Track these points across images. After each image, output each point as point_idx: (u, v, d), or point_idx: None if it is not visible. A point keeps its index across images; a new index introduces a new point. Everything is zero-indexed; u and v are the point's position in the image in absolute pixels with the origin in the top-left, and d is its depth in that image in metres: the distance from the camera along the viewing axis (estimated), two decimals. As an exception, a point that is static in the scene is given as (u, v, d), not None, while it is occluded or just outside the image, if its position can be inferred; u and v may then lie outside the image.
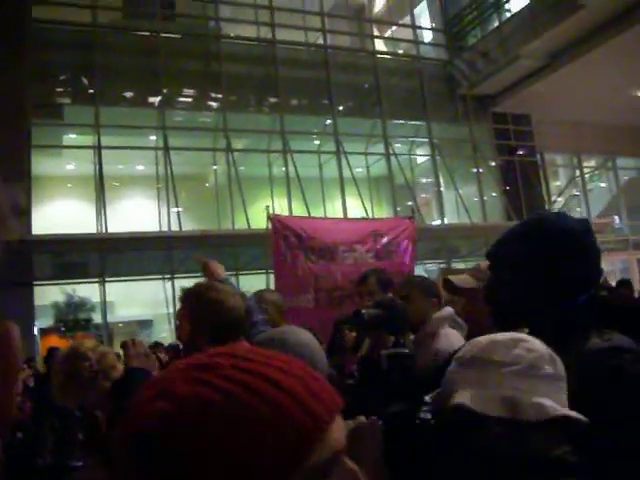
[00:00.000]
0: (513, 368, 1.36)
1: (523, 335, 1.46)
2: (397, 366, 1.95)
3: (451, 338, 3.37)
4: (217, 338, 2.58)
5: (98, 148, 16.12)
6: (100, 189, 15.97)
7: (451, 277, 2.51)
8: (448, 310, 3.63)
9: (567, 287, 1.78)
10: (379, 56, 20.82)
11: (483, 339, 1.45)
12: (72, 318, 16.18)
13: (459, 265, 18.53)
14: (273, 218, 6.52)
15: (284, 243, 6.27)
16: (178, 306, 2.83)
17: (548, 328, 1.67)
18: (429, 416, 1.48)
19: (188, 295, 2.78)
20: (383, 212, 20.52)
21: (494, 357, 1.38)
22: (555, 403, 1.34)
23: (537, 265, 1.80)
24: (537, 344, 1.42)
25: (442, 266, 17.72)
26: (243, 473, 0.63)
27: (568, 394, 1.40)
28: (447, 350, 2.37)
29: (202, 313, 2.67)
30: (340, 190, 18.48)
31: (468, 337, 2.38)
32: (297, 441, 0.65)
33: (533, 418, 1.30)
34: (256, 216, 14.38)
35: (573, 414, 1.33)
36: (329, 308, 6.01)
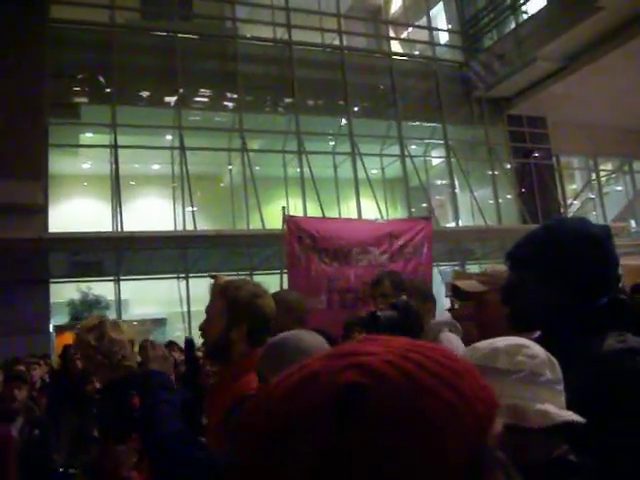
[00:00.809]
0: (516, 376, 1.38)
1: (523, 340, 1.47)
2: None
3: (453, 342, 3.39)
4: (253, 336, 2.65)
5: (115, 147, 16.22)
6: (116, 188, 16.06)
7: (458, 283, 2.53)
8: (446, 315, 3.65)
9: (587, 291, 1.81)
10: (395, 57, 20.81)
11: (484, 345, 1.47)
12: (87, 316, 16.27)
13: (473, 267, 18.49)
14: (288, 219, 6.52)
15: (298, 245, 6.27)
16: (207, 301, 2.82)
17: (566, 330, 1.69)
18: None
19: (226, 290, 2.75)
20: (397, 213, 20.49)
21: (497, 365, 1.40)
22: (557, 408, 1.36)
23: (559, 269, 1.82)
24: (537, 349, 1.43)
25: (456, 268, 17.69)
26: (429, 456, 0.64)
27: (584, 394, 1.42)
28: None
29: (242, 308, 2.67)
30: (355, 191, 18.48)
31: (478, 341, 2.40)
32: (475, 428, 0.67)
33: (538, 425, 1.32)
34: (271, 216, 14.42)
35: (575, 418, 1.35)
36: (341, 310, 6.02)
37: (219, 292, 2.76)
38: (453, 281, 2.55)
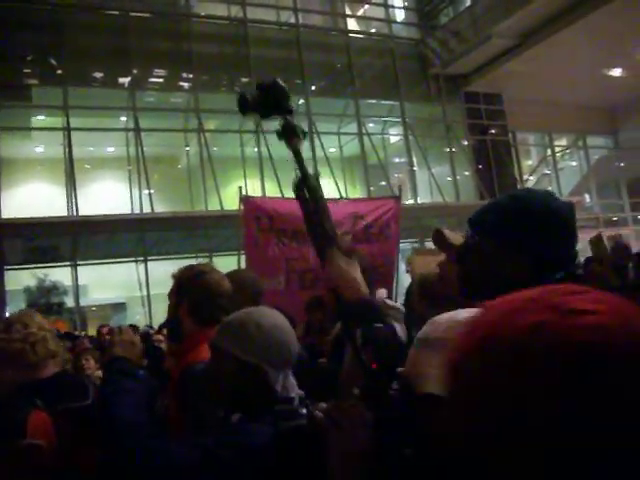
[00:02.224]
0: None
1: None
2: (373, 341, 1.94)
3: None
4: (196, 311, 2.78)
5: (67, 130, 15.91)
6: (70, 171, 15.78)
7: (445, 231, 2.50)
8: (382, 292, 3.63)
9: (546, 265, 1.80)
10: (351, 35, 20.72)
11: (444, 319, 1.45)
12: (44, 302, 16.02)
13: (432, 244, 18.60)
14: (245, 199, 6.39)
15: (256, 225, 6.17)
16: (167, 284, 2.97)
17: None
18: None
19: (177, 271, 2.95)
20: (356, 192, 20.51)
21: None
22: None
23: (522, 240, 1.80)
24: None
25: (415, 245, 17.77)
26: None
27: None
28: None
29: (185, 284, 2.83)
30: (313, 170, 18.38)
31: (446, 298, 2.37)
32: None
33: None
34: (229, 197, 14.31)
35: None
36: (301, 290, 5.97)
37: (173, 275, 2.94)
38: (438, 230, 2.51)
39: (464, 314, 1.43)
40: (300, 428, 1.61)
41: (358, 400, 1.45)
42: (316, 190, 1.93)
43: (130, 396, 2.03)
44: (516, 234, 1.81)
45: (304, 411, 1.80)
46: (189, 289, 2.80)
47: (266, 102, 2.03)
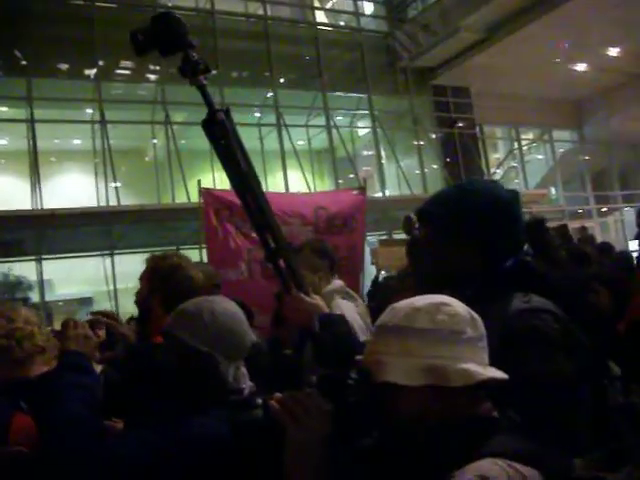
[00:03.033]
0: (436, 335, 1.36)
1: (443, 298, 1.45)
2: (329, 329, 1.94)
3: (343, 308, 3.34)
4: (169, 304, 2.72)
5: (31, 122, 15.66)
6: (35, 164, 15.53)
7: (413, 217, 2.53)
8: (337, 283, 3.66)
9: (494, 253, 1.83)
10: (320, 28, 20.63)
11: (403, 305, 1.44)
12: (8, 297, 15.78)
13: (400, 236, 18.68)
14: (204, 192, 6.46)
15: (215, 217, 6.17)
16: (134, 277, 3.08)
17: (474, 291, 1.70)
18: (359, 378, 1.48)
19: (151, 259, 3.00)
20: (325, 185, 20.52)
21: (416, 324, 1.37)
22: (479, 366, 1.35)
23: (468, 229, 1.84)
24: (458, 307, 1.42)
25: (383, 237, 17.82)
26: None
27: (491, 352, 1.43)
28: None
29: (161, 277, 2.86)
30: (281, 163, 18.40)
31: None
32: None
33: (459, 384, 1.32)
34: (196, 190, 14.19)
35: (497, 374, 1.36)
36: (263, 279, 5.97)
37: (147, 260, 2.99)
38: (408, 219, 2.53)
39: (423, 301, 1.43)
40: (256, 419, 1.60)
41: (315, 389, 1.44)
42: (224, 124, 1.87)
43: (79, 392, 1.96)
44: (460, 224, 1.85)
45: (259, 401, 1.78)
46: (165, 283, 2.78)
47: (162, 37, 1.95)
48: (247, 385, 1.98)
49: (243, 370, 2.01)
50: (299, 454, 1.41)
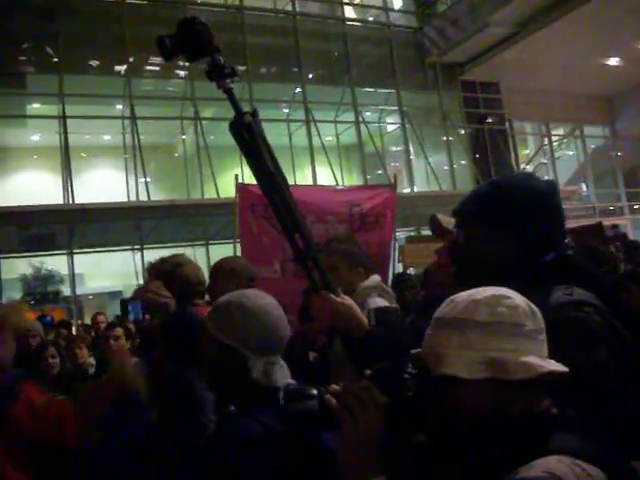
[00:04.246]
0: (496, 328, 1.34)
1: (504, 290, 1.43)
2: (385, 321, 1.92)
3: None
4: (181, 301, 2.79)
5: (63, 118, 15.83)
6: (66, 160, 15.71)
7: (439, 216, 2.50)
8: (375, 279, 3.53)
9: (535, 246, 1.81)
10: (348, 23, 20.64)
11: (463, 297, 1.42)
12: (40, 291, 16.01)
13: (428, 233, 18.60)
14: (240, 187, 6.33)
15: (250, 213, 6.11)
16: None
17: (515, 286, 1.69)
18: (416, 372, 1.47)
19: (152, 266, 3.07)
20: (353, 180, 20.49)
21: (476, 317, 1.36)
22: (539, 359, 1.34)
23: (506, 224, 1.81)
24: (518, 299, 1.40)
25: (411, 234, 17.77)
26: None
27: None
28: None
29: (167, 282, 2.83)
30: (310, 159, 18.40)
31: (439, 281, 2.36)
32: None
33: (520, 377, 1.30)
34: (225, 185, 14.28)
35: (557, 368, 1.33)
36: (296, 278, 5.91)
37: (148, 268, 3.04)
38: (435, 215, 2.50)
39: (483, 293, 1.41)
40: (311, 410, 1.60)
41: (370, 383, 1.44)
42: (251, 126, 1.88)
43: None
44: (498, 220, 1.82)
45: (314, 392, 1.80)
46: (168, 282, 2.78)
47: (189, 42, 1.96)
48: (284, 382, 1.95)
49: (280, 366, 1.99)
50: (354, 447, 1.40)
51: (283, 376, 1.98)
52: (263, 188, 1.94)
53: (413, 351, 1.48)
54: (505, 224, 1.81)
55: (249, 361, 1.90)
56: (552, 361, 1.35)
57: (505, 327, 1.35)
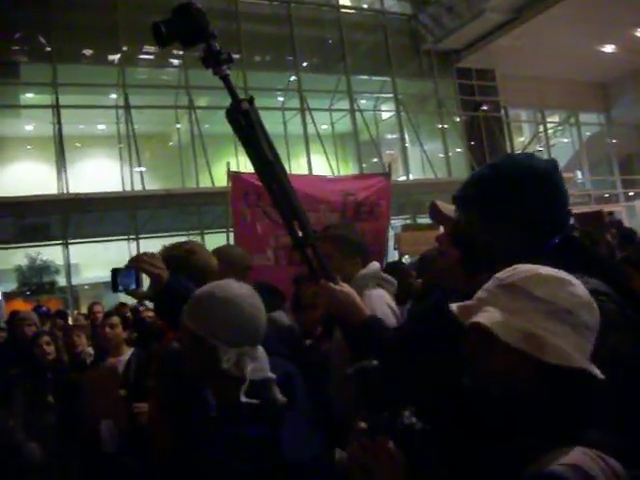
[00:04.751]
0: (550, 308, 1.32)
1: (570, 277, 1.39)
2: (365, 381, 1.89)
3: (374, 301, 3.17)
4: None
5: (57, 107, 15.77)
6: (60, 149, 15.66)
7: (439, 203, 2.47)
8: (373, 267, 3.44)
9: (538, 229, 1.77)
10: (343, 10, 20.52)
11: (527, 268, 1.40)
12: (36, 282, 15.98)
13: (424, 220, 18.60)
14: (233, 175, 6.30)
15: (243, 201, 6.08)
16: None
17: None
18: (414, 421, 1.44)
19: (164, 251, 2.94)
20: (349, 169, 20.45)
21: (535, 292, 1.33)
22: (579, 353, 1.31)
23: (508, 206, 1.77)
24: (581, 289, 1.37)
25: (407, 222, 17.76)
26: None
27: None
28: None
29: (178, 269, 2.75)
30: (305, 147, 18.36)
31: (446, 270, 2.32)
32: None
33: (553, 361, 1.28)
34: (220, 174, 14.23)
35: (594, 371, 1.30)
36: (289, 266, 5.90)
37: (161, 253, 2.87)
38: (434, 203, 2.46)
39: (550, 272, 1.39)
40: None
41: (381, 436, 1.39)
42: (249, 114, 1.86)
43: None
44: (499, 203, 1.78)
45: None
46: (180, 269, 2.74)
47: (184, 29, 1.94)
48: (260, 375, 1.91)
49: (253, 358, 1.93)
50: None
51: (257, 369, 1.93)
52: (261, 176, 1.92)
53: (453, 306, 1.44)
54: (506, 206, 1.77)
55: (219, 351, 1.87)
56: (592, 364, 1.31)
57: (557, 310, 1.32)
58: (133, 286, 2.50)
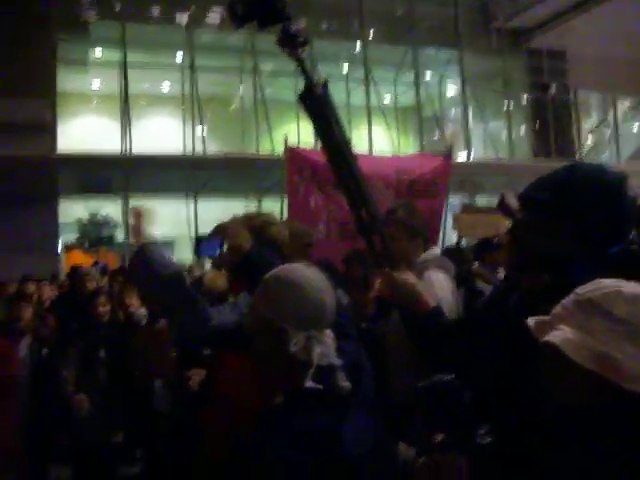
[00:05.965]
0: (628, 328, 1.26)
1: None
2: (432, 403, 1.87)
3: (435, 285, 3.22)
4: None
5: (124, 65, 15.98)
6: (125, 107, 15.89)
7: (507, 196, 2.46)
8: (434, 252, 3.51)
9: (598, 239, 1.77)
10: (414, -18, 20.18)
11: (608, 284, 1.35)
12: (95, 235, 16.32)
13: (482, 200, 18.37)
14: (289, 150, 6.36)
15: (297, 175, 6.13)
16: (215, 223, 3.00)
17: (576, 278, 1.64)
18: (488, 440, 1.43)
19: (244, 218, 3.02)
20: (409, 144, 20.30)
21: (614, 311, 1.28)
22: None
23: (570, 214, 1.78)
24: None
25: (465, 201, 17.56)
26: None
27: None
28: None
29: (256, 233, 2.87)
30: (367, 119, 18.23)
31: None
32: None
33: (632, 388, 1.23)
34: (281, 141, 14.25)
35: None
36: (340, 241, 5.91)
37: (240, 219, 2.97)
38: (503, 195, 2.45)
39: (632, 289, 1.33)
40: None
41: (449, 448, 1.39)
42: (321, 99, 1.86)
43: None
44: (564, 211, 1.79)
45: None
46: (257, 239, 2.79)
47: (261, 10, 1.92)
48: (327, 361, 1.88)
49: (320, 343, 1.90)
50: None
51: (325, 355, 1.90)
52: (331, 161, 1.92)
53: (530, 321, 1.40)
54: (569, 216, 1.78)
55: (287, 334, 1.90)
56: None
57: (637, 331, 1.26)
58: (215, 252, 2.56)
